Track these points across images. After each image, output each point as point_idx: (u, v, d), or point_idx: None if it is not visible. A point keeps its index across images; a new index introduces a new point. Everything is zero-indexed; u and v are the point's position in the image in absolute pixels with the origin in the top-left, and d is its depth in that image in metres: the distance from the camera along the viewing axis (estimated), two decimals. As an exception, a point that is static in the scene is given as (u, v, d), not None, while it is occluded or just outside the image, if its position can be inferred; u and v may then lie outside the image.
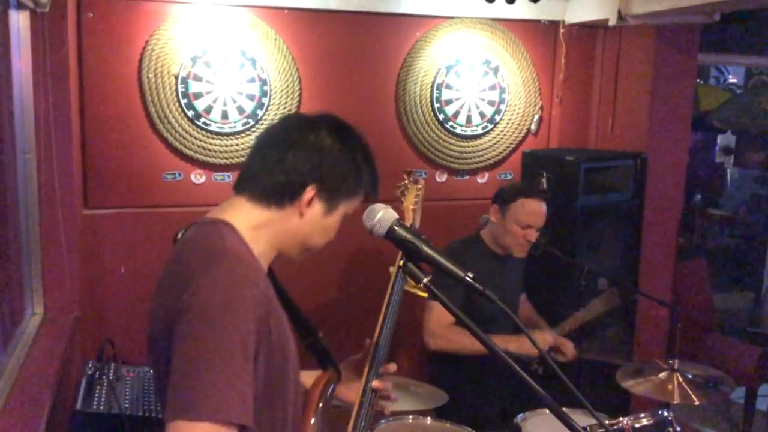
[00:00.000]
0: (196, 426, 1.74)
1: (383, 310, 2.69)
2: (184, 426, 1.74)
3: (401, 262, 2.65)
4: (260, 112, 4.85)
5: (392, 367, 2.67)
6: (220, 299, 1.83)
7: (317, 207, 2.16)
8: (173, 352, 1.81)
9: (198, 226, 2.09)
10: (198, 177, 4.84)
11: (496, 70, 5.48)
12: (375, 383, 2.58)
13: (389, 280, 2.86)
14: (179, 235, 2.16)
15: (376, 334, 2.64)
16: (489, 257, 4.48)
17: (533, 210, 4.35)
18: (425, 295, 2.54)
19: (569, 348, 4.54)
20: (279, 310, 2.05)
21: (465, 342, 4.18)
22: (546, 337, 4.40)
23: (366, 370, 2.55)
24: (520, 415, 3.86)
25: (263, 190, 2.11)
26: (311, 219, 2.16)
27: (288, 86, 4.93)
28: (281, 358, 2.03)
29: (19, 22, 3.82)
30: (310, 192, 2.12)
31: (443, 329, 4.30)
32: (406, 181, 3.72)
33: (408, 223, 3.23)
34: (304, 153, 2.11)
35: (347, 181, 2.21)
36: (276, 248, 2.19)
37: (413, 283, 2.64)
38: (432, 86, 5.34)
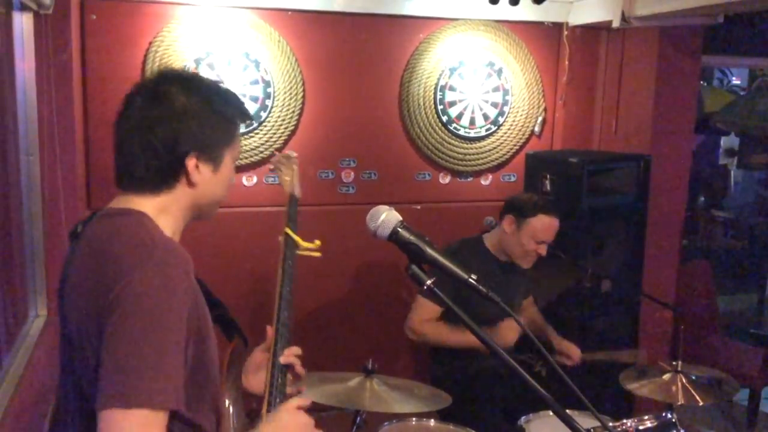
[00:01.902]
0: (131, 413, 1.74)
1: (278, 286, 2.66)
2: (118, 413, 1.74)
3: (287, 230, 2.66)
4: (263, 114, 4.85)
5: (296, 349, 2.61)
6: (154, 290, 1.83)
7: (204, 169, 2.12)
8: (106, 344, 1.80)
9: (106, 218, 2.05)
10: (201, 179, 4.84)
11: (499, 72, 5.48)
12: (283, 358, 2.50)
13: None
14: (78, 228, 2.11)
15: (275, 311, 2.60)
16: (489, 261, 4.47)
17: (551, 227, 4.35)
18: (318, 254, 2.55)
19: (575, 351, 4.55)
20: (201, 295, 2.04)
21: (445, 334, 4.31)
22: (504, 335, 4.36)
23: (271, 349, 2.51)
24: (524, 417, 3.85)
25: (145, 181, 2.08)
26: (204, 183, 2.13)
27: (291, 88, 4.93)
28: (207, 342, 2.03)
29: (23, 23, 3.82)
30: (191, 162, 2.09)
31: (424, 324, 4.38)
32: (278, 155, 3.68)
33: (287, 192, 3.23)
34: (165, 128, 2.06)
35: (220, 131, 2.17)
36: (183, 223, 2.18)
37: (304, 245, 2.65)
38: (435, 88, 5.34)
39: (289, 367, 2.51)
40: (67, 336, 2.01)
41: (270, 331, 2.60)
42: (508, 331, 4.27)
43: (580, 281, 4.78)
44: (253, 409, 2.44)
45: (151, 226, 2.01)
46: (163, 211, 2.10)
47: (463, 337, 4.14)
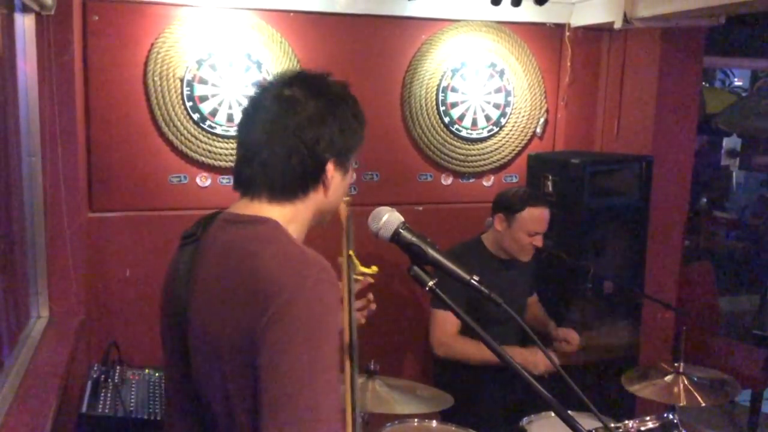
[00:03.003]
0: None
1: (347, 312, 2.67)
2: None
3: (351, 252, 2.67)
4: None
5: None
6: (317, 309, 1.81)
7: (337, 175, 2.11)
8: (271, 362, 1.77)
9: (240, 225, 2.02)
10: (203, 180, 4.84)
11: (501, 73, 5.47)
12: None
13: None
14: (198, 232, 2.08)
15: (349, 336, 2.62)
16: (490, 261, 4.48)
17: (541, 217, 4.37)
18: (372, 281, 2.58)
19: (573, 336, 4.55)
20: None
21: (472, 351, 4.22)
22: (536, 361, 4.35)
23: (348, 366, 2.52)
24: (526, 418, 3.86)
25: (285, 187, 2.04)
26: (334, 189, 2.12)
27: (293, 89, 4.92)
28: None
29: (25, 25, 3.83)
30: (330, 167, 2.07)
31: (450, 338, 4.32)
32: None
33: (344, 215, 3.24)
34: (309, 132, 2.02)
35: (353, 136, 2.15)
36: (306, 231, 2.15)
37: (361, 269, 2.66)
38: (437, 89, 5.34)
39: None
40: (191, 347, 1.97)
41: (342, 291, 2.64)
42: (544, 362, 4.27)
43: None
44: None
45: (290, 236, 2.00)
46: (294, 219, 2.08)
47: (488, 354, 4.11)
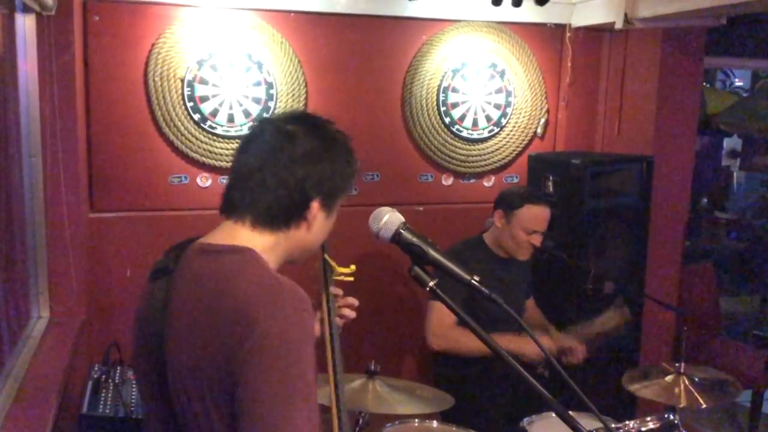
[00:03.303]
0: None
1: (325, 314, 2.69)
2: None
3: (326, 255, 2.69)
4: (266, 116, 4.85)
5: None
6: (294, 337, 1.83)
7: (320, 215, 2.14)
8: (248, 395, 1.78)
9: (214, 255, 2.03)
10: (204, 180, 4.84)
11: (502, 74, 5.47)
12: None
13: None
14: (170, 265, 2.08)
15: (329, 341, 2.62)
16: (492, 260, 4.49)
17: (540, 216, 4.37)
18: (351, 279, 2.59)
19: (579, 350, 4.54)
20: None
21: (467, 342, 4.20)
22: (549, 343, 4.38)
23: (331, 384, 2.53)
24: (526, 418, 3.86)
25: (268, 215, 2.07)
26: (317, 228, 2.16)
27: (294, 89, 4.93)
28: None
29: (25, 25, 3.83)
30: (315, 206, 2.10)
31: (445, 329, 4.31)
32: None
33: None
34: (301, 168, 2.06)
35: (343, 180, 2.18)
36: (281, 263, 2.17)
37: (339, 270, 2.69)
38: (438, 89, 5.34)
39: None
40: (170, 383, 1.97)
41: (322, 296, 2.69)
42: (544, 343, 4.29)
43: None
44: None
45: (266, 265, 2.01)
46: (271, 249, 2.10)
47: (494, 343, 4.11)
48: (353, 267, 2.76)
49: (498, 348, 2.19)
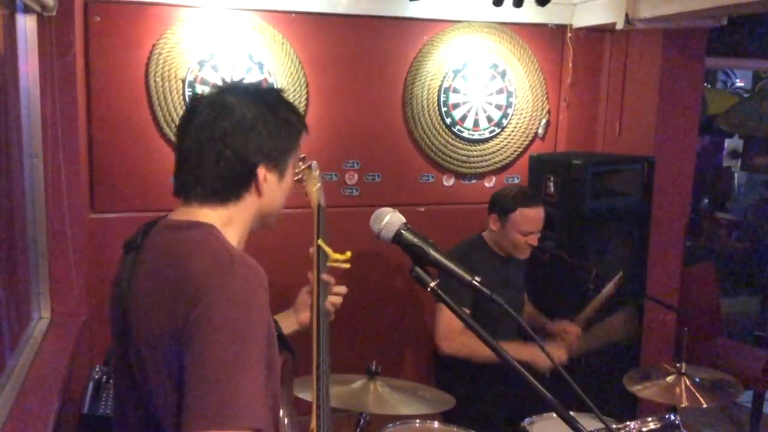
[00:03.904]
0: None
1: (314, 299, 2.70)
2: None
3: (320, 242, 2.70)
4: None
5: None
6: (240, 308, 1.83)
7: (271, 178, 2.14)
8: (192, 362, 1.79)
9: (174, 231, 2.07)
10: (205, 181, 4.84)
11: (503, 74, 5.48)
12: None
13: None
14: (138, 240, 2.16)
15: (315, 325, 2.63)
16: (493, 258, 4.49)
17: (534, 218, 4.37)
18: (347, 266, 2.60)
19: (570, 327, 4.52)
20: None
21: (478, 346, 4.19)
22: (559, 353, 4.37)
23: (314, 355, 2.54)
24: (527, 418, 3.85)
25: (214, 191, 2.09)
26: (270, 192, 2.16)
27: (295, 90, 4.93)
28: (275, 355, 2.02)
29: (26, 26, 3.83)
30: (261, 171, 2.11)
31: (455, 333, 4.28)
32: (302, 167, 3.70)
33: (314, 204, 3.25)
34: (237, 138, 2.07)
35: (286, 140, 2.18)
36: (246, 234, 2.19)
37: (334, 257, 2.70)
38: (439, 90, 5.34)
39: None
40: (131, 352, 1.99)
41: (311, 276, 2.75)
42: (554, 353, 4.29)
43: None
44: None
45: (223, 239, 2.02)
46: (230, 222, 2.12)
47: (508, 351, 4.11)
48: (349, 254, 2.77)
49: (499, 349, 2.19)
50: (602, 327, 4.59)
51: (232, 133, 2.07)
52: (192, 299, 1.83)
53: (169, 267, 1.96)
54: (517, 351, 3.93)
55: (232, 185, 2.09)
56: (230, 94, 2.15)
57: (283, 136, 2.16)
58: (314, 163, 3.50)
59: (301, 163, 3.71)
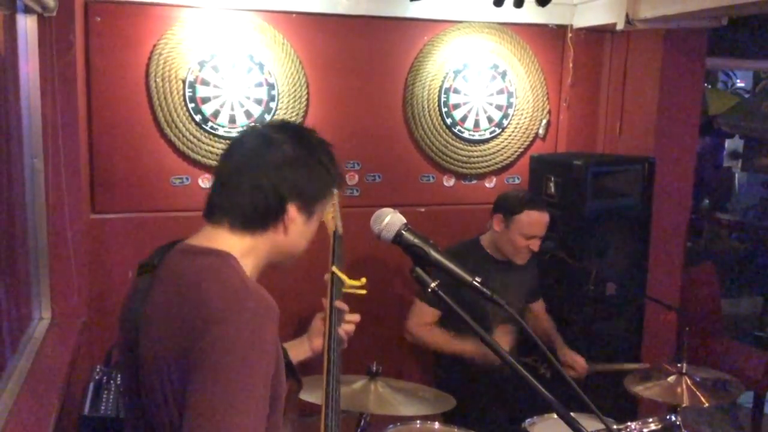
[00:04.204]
0: None
1: (327, 325, 2.71)
2: None
3: (334, 268, 2.71)
4: (268, 117, 4.85)
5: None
6: (247, 343, 1.85)
7: (299, 219, 2.19)
8: (196, 390, 1.82)
9: (191, 256, 2.09)
10: (205, 181, 4.84)
11: (503, 75, 5.47)
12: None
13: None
14: (154, 261, 2.16)
15: (326, 351, 2.64)
16: (487, 262, 4.50)
17: (539, 221, 4.38)
18: (363, 292, 2.61)
19: (579, 362, 4.56)
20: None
21: (439, 343, 4.45)
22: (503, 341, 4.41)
23: (323, 391, 2.54)
24: (528, 419, 3.86)
25: (244, 218, 2.13)
26: (295, 231, 2.20)
27: (295, 90, 4.93)
28: (281, 386, 2.06)
29: (27, 26, 3.83)
30: (292, 208, 2.15)
31: (420, 328, 4.48)
32: None
33: (330, 231, 3.27)
34: (277, 172, 2.12)
35: (321, 186, 2.23)
36: (262, 267, 2.22)
37: (349, 283, 2.71)
38: (440, 90, 5.33)
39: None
40: (140, 377, 2.01)
41: (324, 302, 2.77)
42: (501, 338, 4.34)
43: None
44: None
45: (240, 270, 2.05)
46: (250, 252, 2.15)
47: (458, 346, 4.23)
48: (364, 280, 2.78)
49: (500, 349, 2.19)
50: (613, 368, 4.63)
51: (273, 165, 2.13)
52: (200, 328, 1.86)
53: (181, 293, 1.98)
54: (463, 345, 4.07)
55: (262, 216, 2.14)
56: (278, 131, 2.22)
57: (319, 180, 2.22)
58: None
59: None
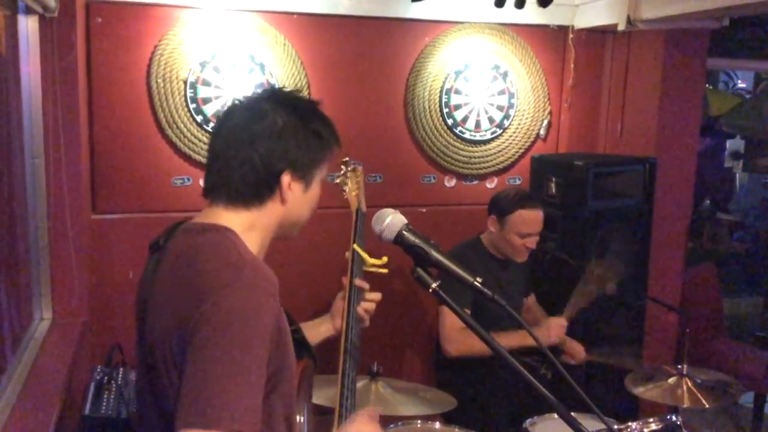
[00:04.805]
0: None
1: (346, 303, 2.71)
2: None
3: (355, 246, 2.70)
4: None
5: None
6: (240, 312, 1.85)
7: (296, 187, 2.18)
8: (190, 360, 1.82)
9: (193, 233, 2.11)
10: (207, 182, 4.84)
11: (505, 75, 5.47)
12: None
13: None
14: (160, 241, 2.19)
15: (345, 329, 2.64)
16: (489, 261, 4.50)
17: (533, 219, 4.38)
18: (385, 271, 2.60)
19: (578, 350, 4.56)
20: (284, 314, 2.06)
21: (481, 345, 4.23)
22: (550, 333, 4.38)
23: (340, 360, 2.55)
24: (529, 419, 3.85)
25: (238, 193, 2.13)
26: (294, 201, 2.19)
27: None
28: (287, 359, 2.06)
29: (28, 27, 3.83)
30: (285, 178, 2.14)
31: (458, 334, 4.31)
32: (345, 170, 3.70)
33: (354, 208, 3.26)
34: (265, 144, 2.11)
35: (314, 151, 2.22)
36: (268, 240, 2.22)
37: (371, 262, 2.70)
38: (441, 91, 5.33)
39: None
40: (146, 351, 2.03)
41: (344, 280, 2.80)
42: (557, 329, 4.42)
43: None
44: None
45: (238, 243, 2.06)
46: (251, 227, 2.15)
47: (514, 340, 4.11)
48: (385, 258, 2.78)
49: (502, 350, 2.19)
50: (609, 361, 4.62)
51: (261, 137, 2.12)
52: (198, 299, 1.87)
53: (182, 268, 2.00)
54: (507, 340, 3.98)
55: (256, 189, 2.13)
56: (266, 101, 2.20)
57: (311, 147, 2.20)
58: (359, 166, 3.48)
59: (343, 166, 3.72)
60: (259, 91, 2.28)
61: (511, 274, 4.56)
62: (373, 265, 2.77)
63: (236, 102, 2.25)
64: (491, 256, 4.53)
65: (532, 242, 4.39)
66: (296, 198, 2.19)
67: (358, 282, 2.76)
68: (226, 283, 1.88)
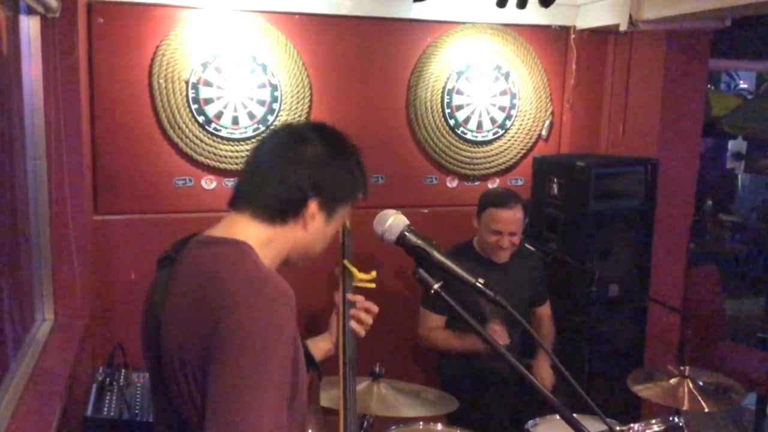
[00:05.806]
0: None
1: (340, 319, 2.70)
2: None
3: (346, 262, 2.70)
4: (271, 118, 4.85)
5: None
6: (264, 328, 1.86)
7: (319, 217, 2.18)
8: (213, 378, 1.83)
9: (208, 246, 2.10)
10: (208, 183, 4.84)
11: (507, 76, 5.47)
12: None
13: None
14: (172, 255, 2.18)
15: (341, 346, 2.64)
16: (479, 264, 4.47)
17: (500, 218, 4.34)
18: (372, 285, 2.59)
19: (549, 378, 4.56)
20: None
21: (450, 343, 4.47)
22: (545, 383, 4.45)
23: (341, 384, 2.55)
24: (531, 421, 3.85)
25: (266, 208, 2.14)
26: (314, 229, 2.19)
27: (298, 92, 4.93)
28: (300, 375, 2.06)
29: (30, 27, 3.83)
30: (313, 205, 2.15)
31: (429, 333, 4.52)
32: None
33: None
34: (305, 167, 2.13)
35: (345, 189, 2.25)
36: (279, 261, 2.22)
37: (359, 276, 2.70)
38: (443, 92, 5.33)
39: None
40: (163, 365, 2.02)
41: (337, 296, 2.76)
42: (549, 378, 4.53)
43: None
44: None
45: (255, 257, 2.06)
46: (268, 242, 2.15)
47: (470, 344, 4.20)
48: (374, 273, 2.77)
49: (503, 351, 2.19)
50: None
51: (303, 160, 2.15)
52: (218, 315, 1.87)
53: (200, 282, 2.00)
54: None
55: (283, 207, 2.14)
56: (314, 131, 2.25)
57: (344, 184, 2.24)
58: None
59: None
60: (308, 121, 2.35)
61: (504, 277, 4.50)
62: (361, 280, 2.78)
63: (284, 124, 2.33)
64: (481, 258, 4.50)
65: (504, 241, 4.35)
66: (316, 227, 2.20)
67: (350, 296, 2.76)
68: (248, 298, 1.89)
